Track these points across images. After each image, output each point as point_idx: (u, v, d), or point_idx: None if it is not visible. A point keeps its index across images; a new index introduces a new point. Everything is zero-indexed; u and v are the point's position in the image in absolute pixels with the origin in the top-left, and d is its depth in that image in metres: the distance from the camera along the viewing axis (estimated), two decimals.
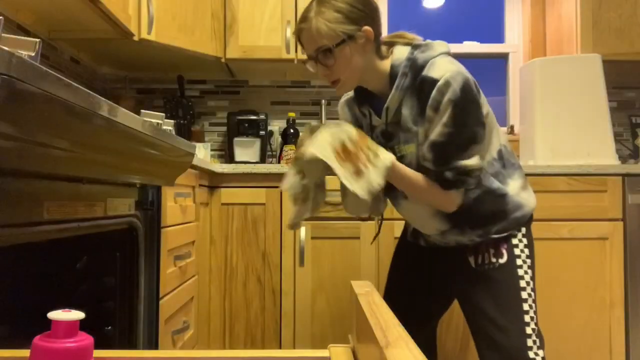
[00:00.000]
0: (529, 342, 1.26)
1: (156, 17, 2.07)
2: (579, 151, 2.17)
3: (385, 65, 1.28)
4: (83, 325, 0.61)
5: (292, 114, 2.59)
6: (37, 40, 0.68)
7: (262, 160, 2.48)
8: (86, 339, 0.60)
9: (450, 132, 1.19)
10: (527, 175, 2.02)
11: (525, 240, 1.34)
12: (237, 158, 2.46)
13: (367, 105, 1.35)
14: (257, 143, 2.47)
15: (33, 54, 0.66)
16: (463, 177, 1.23)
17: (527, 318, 1.28)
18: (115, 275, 1.17)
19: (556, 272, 2.03)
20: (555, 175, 2.04)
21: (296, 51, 2.36)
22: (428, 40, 1.29)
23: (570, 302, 2.02)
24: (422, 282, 1.51)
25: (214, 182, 2.06)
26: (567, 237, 2.03)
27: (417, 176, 1.26)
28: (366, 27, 1.23)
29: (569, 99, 2.21)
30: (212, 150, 2.63)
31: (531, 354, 1.25)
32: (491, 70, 2.91)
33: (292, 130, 2.54)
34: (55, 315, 0.59)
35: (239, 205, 2.06)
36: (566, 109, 2.21)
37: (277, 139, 2.66)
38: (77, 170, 0.80)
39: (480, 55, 2.87)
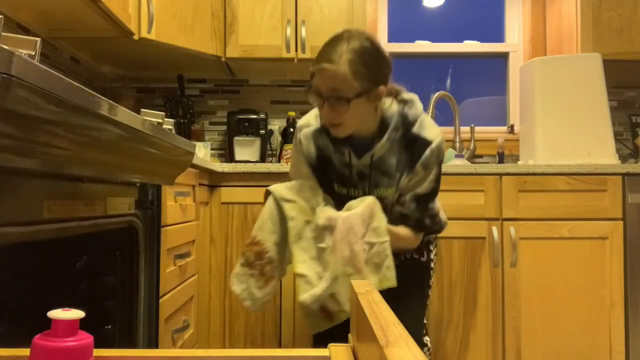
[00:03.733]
0: (423, 329, 1.53)
1: (156, 16, 2.07)
2: (579, 150, 2.17)
3: (377, 115, 1.37)
4: (83, 324, 0.61)
5: (292, 113, 2.59)
6: (37, 39, 0.68)
7: (262, 159, 2.48)
8: (86, 338, 0.60)
9: (434, 186, 1.39)
10: (527, 175, 2.04)
11: (435, 250, 1.60)
12: (237, 157, 2.46)
13: (346, 145, 1.40)
14: (257, 142, 2.47)
15: (33, 53, 0.66)
16: (434, 220, 1.46)
17: (425, 309, 1.52)
18: (115, 274, 1.17)
19: (556, 272, 2.03)
20: (555, 174, 2.04)
21: (296, 50, 2.36)
22: (407, 95, 1.41)
23: (570, 301, 2.02)
24: None
25: (214, 181, 2.06)
26: (567, 236, 2.03)
27: (403, 232, 1.41)
28: (382, 87, 1.30)
29: (569, 98, 2.21)
30: (212, 149, 2.63)
31: (425, 338, 1.54)
32: (491, 70, 2.90)
33: (292, 130, 2.53)
34: (55, 314, 0.59)
35: (239, 204, 2.06)
36: (566, 109, 2.21)
37: (277, 138, 2.66)
38: (77, 169, 0.80)
39: (480, 54, 2.87)
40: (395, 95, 1.39)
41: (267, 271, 1.33)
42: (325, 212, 1.30)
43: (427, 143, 1.34)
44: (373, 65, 1.28)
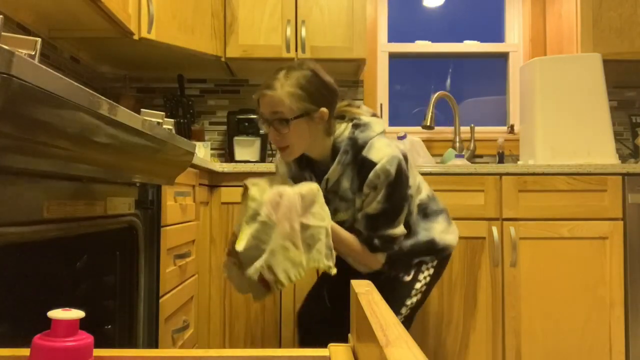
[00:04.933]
0: None
1: (156, 16, 2.07)
2: (579, 150, 2.17)
3: (330, 140, 1.43)
4: (83, 324, 0.61)
5: None
6: (37, 39, 0.68)
7: (262, 159, 2.48)
8: (86, 338, 0.60)
9: (383, 207, 1.38)
10: (527, 175, 2.04)
11: (431, 271, 1.53)
12: (237, 157, 2.46)
13: (308, 169, 1.50)
14: (257, 142, 2.47)
15: (33, 53, 0.66)
16: (388, 244, 1.43)
17: None
18: (115, 274, 1.17)
19: (556, 272, 2.03)
20: (555, 174, 2.04)
21: (296, 50, 2.36)
22: (366, 119, 1.44)
23: (570, 301, 2.02)
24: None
25: (214, 181, 2.06)
26: (567, 236, 2.03)
27: (351, 239, 1.44)
28: (323, 109, 1.38)
29: (569, 98, 2.21)
30: (212, 149, 2.63)
31: None
32: (491, 70, 2.90)
33: None
34: (55, 314, 0.59)
35: (239, 204, 2.06)
36: (566, 109, 2.21)
37: None
38: (77, 169, 0.80)
39: (480, 54, 2.87)
40: (351, 119, 1.45)
41: (230, 250, 1.38)
42: (276, 188, 1.34)
43: (372, 165, 1.36)
44: (312, 88, 1.36)
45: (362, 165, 1.39)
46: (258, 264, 1.29)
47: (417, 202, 1.52)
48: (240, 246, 1.30)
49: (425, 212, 1.53)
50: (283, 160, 1.57)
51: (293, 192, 1.33)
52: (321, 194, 1.39)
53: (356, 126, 1.43)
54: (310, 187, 1.37)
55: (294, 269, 1.31)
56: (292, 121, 1.35)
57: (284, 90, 1.34)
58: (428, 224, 1.52)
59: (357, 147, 1.40)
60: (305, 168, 1.52)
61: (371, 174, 1.36)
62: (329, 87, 1.42)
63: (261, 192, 1.35)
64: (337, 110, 1.47)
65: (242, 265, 1.33)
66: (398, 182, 1.38)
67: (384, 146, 1.38)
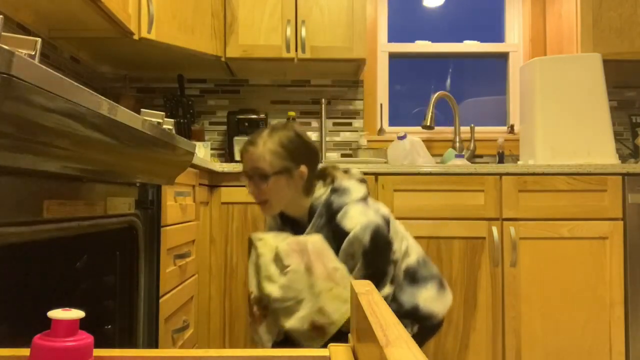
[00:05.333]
0: None
1: (156, 16, 2.07)
2: (579, 150, 2.17)
3: (308, 200, 1.46)
4: (83, 324, 0.61)
5: (292, 113, 2.59)
6: (37, 39, 0.68)
7: None
8: (86, 338, 0.60)
9: (364, 274, 1.35)
10: (527, 175, 2.04)
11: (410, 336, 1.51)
12: (237, 157, 2.46)
13: (288, 226, 1.53)
14: None
15: (33, 53, 0.66)
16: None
17: None
18: (115, 274, 1.17)
19: (556, 272, 2.03)
20: (555, 174, 2.04)
21: (296, 50, 2.36)
22: (346, 184, 1.45)
23: (570, 301, 2.02)
24: None
25: (214, 181, 2.06)
26: (567, 236, 2.03)
27: None
28: (303, 168, 1.43)
29: (569, 98, 2.21)
30: (212, 149, 2.63)
31: None
32: (491, 70, 2.90)
33: None
34: (55, 314, 0.59)
35: (239, 204, 2.06)
36: (566, 109, 2.21)
37: None
38: (77, 169, 0.80)
39: (480, 54, 2.87)
40: (331, 181, 1.48)
41: (255, 312, 1.41)
42: (289, 238, 1.39)
43: (345, 234, 1.36)
44: (292, 147, 1.42)
45: (335, 232, 1.38)
46: (304, 311, 1.29)
47: (404, 267, 1.47)
48: (274, 298, 1.31)
49: (414, 277, 1.47)
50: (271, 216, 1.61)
51: (313, 239, 1.35)
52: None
53: (334, 190, 1.44)
54: (319, 237, 1.38)
55: (345, 305, 1.30)
56: (272, 177, 1.41)
57: (265, 147, 1.41)
58: (415, 289, 1.46)
59: (331, 212, 1.41)
60: (286, 224, 1.55)
61: (345, 243, 1.35)
62: (310, 147, 1.48)
63: (267, 246, 1.39)
64: (321, 170, 1.51)
65: (272, 320, 1.34)
66: (375, 249, 1.35)
67: (358, 214, 1.37)
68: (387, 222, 1.43)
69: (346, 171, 1.54)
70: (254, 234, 1.47)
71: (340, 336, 1.24)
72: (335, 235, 1.38)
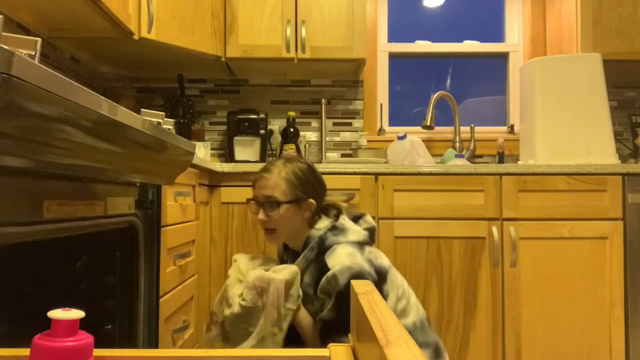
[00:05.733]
0: None
1: (156, 16, 2.07)
2: (579, 150, 2.17)
3: (308, 232, 1.48)
4: (83, 324, 0.61)
5: (292, 113, 2.58)
6: (37, 39, 0.68)
7: (262, 159, 2.48)
8: (86, 338, 0.60)
9: (332, 316, 1.35)
10: (527, 175, 2.04)
11: None
12: (237, 157, 2.46)
13: (290, 251, 1.56)
14: (257, 142, 2.47)
15: (33, 53, 0.66)
16: None
17: None
18: (115, 274, 1.17)
19: (556, 272, 2.03)
20: (555, 174, 2.04)
21: (296, 50, 2.36)
22: (347, 224, 1.46)
23: (570, 301, 2.02)
24: None
25: (214, 181, 2.06)
26: (567, 236, 2.03)
27: (308, 332, 1.42)
28: (311, 201, 1.46)
29: (569, 98, 2.21)
30: (212, 149, 2.63)
31: None
32: (491, 70, 2.90)
33: (292, 129, 2.53)
34: (55, 314, 0.59)
35: (239, 204, 2.06)
36: (566, 108, 2.21)
37: (277, 138, 2.66)
38: (77, 169, 0.80)
39: (480, 54, 2.87)
40: (336, 215, 1.50)
41: (208, 322, 1.50)
42: (256, 272, 1.41)
43: (326, 270, 1.36)
44: (304, 179, 1.46)
45: (321, 268, 1.39)
46: (249, 344, 1.36)
47: None
48: (227, 321, 1.40)
49: None
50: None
51: (280, 280, 1.37)
52: (299, 275, 1.42)
53: (333, 228, 1.45)
54: (292, 270, 1.41)
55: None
56: (283, 205, 1.43)
57: (280, 175, 1.44)
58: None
59: (322, 248, 1.42)
60: (287, 249, 1.58)
61: (323, 280, 1.36)
62: (320, 182, 1.52)
63: (235, 269, 1.46)
64: (330, 205, 1.53)
65: (226, 336, 1.42)
66: (349, 294, 1.32)
67: (345, 255, 1.37)
68: (382, 273, 1.40)
69: (360, 216, 1.54)
70: (236, 255, 1.53)
71: None
72: (321, 272, 1.38)
